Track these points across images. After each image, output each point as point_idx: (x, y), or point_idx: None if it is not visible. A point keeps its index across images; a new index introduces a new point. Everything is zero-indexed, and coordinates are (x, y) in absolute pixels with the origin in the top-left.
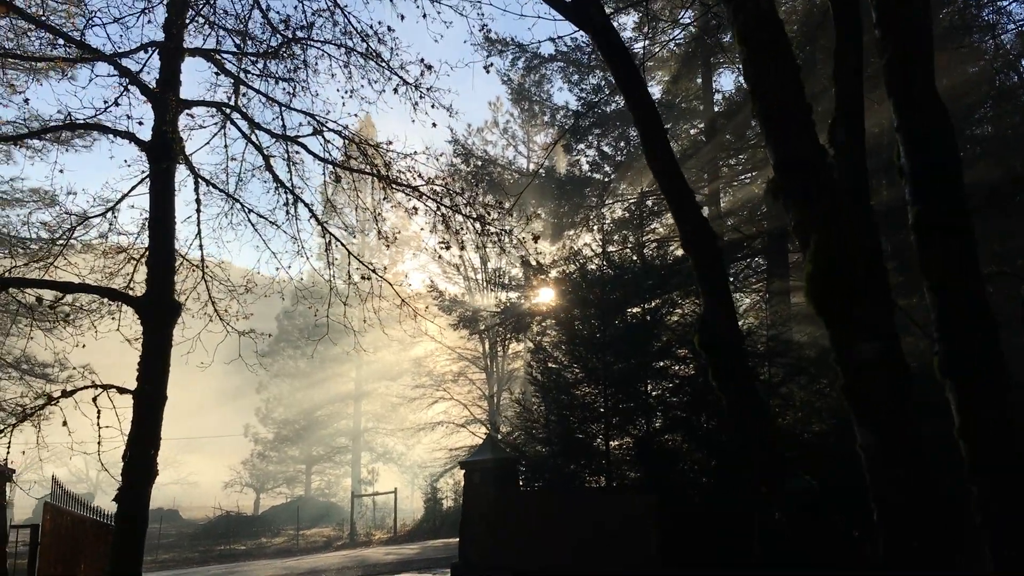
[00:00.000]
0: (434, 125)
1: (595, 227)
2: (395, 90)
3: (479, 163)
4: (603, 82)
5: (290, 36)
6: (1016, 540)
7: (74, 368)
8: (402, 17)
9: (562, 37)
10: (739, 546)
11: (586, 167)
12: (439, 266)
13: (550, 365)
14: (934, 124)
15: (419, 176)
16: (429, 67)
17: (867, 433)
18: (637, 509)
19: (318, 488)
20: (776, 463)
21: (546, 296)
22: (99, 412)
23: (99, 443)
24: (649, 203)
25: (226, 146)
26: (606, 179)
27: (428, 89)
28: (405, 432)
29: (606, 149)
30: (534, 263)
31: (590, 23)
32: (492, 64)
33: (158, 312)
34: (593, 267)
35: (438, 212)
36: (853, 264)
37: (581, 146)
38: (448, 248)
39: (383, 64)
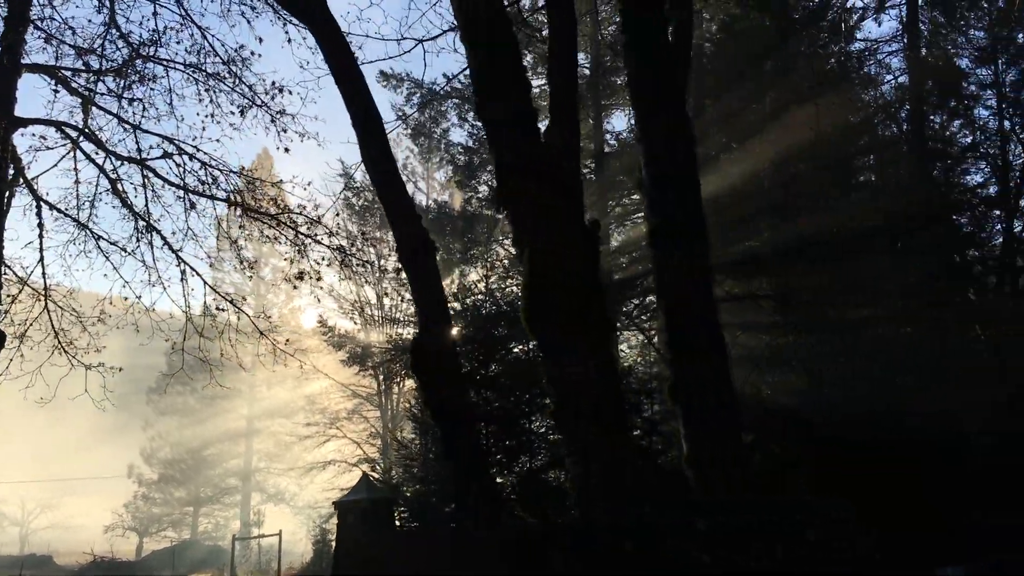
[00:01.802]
0: (287, 150)
1: (479, 264)
2: (256, 115)
3: (371, 197)
4: None
5: (135, 52)
6: None
7: None
8: (260, 40)
9: (457, 75)
10: None
11: (476, 204)
12: (336, 302)
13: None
14: (676, 136)
15: (276, 205)
16: (280, 89)
17: (576, 462)
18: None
19: (205, 531)
20: (492, 501)
21: None
22: None
23: None
24: None
25: (76, 169)
26: (497, 216)
27: (292, 117)
28: (297, 471)
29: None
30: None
31: (312, 18)
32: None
33: None
34: (475, 303)
35: (296, 241)
36: (567, 277)
37: (473, 182)
38: (301, 278)
39: (245, 87)
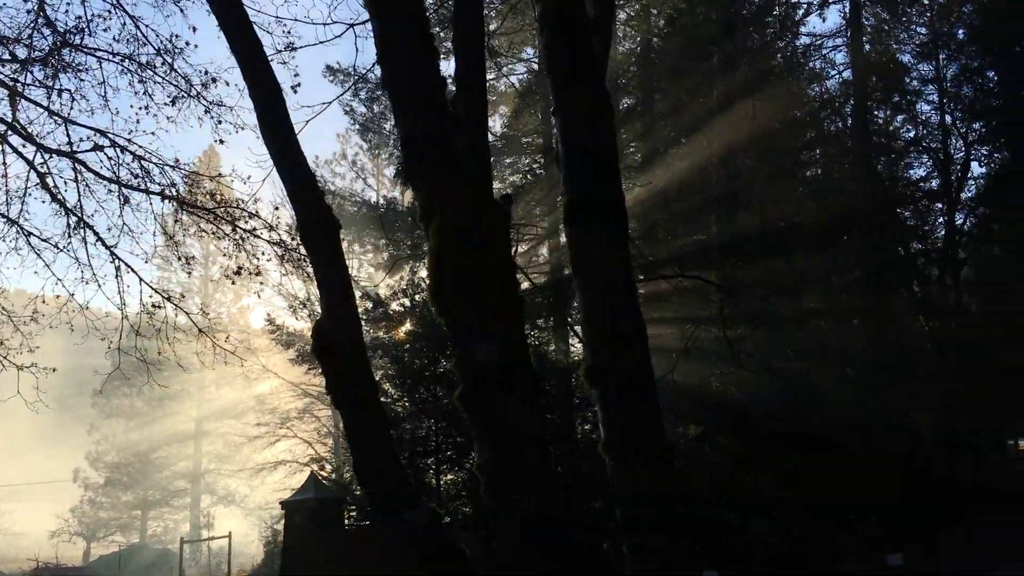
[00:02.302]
0: (221, 142)
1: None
2: (189, 106)
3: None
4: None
5: (62, 40)
6: None
7: None
8: (194, 29)
9: None
10: None
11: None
12: (286, 300)
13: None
14: (595, 111)
15: (213, 198)
16: (215, 79)
17: (484, 450)
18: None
19: (155, 535)
20: (399, 490)
21: (388, 330)
22: None
23: None
24: None
25: (4, 163)
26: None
27: (231, 108)
28: (248, 472)
29: None
30: (372, 294)
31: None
32: (301, 85)
33: None
34: (424, 300)
35: (234, 236)
36: (474, 254)
37: None
38: (239, 273)
39: (180, 77)
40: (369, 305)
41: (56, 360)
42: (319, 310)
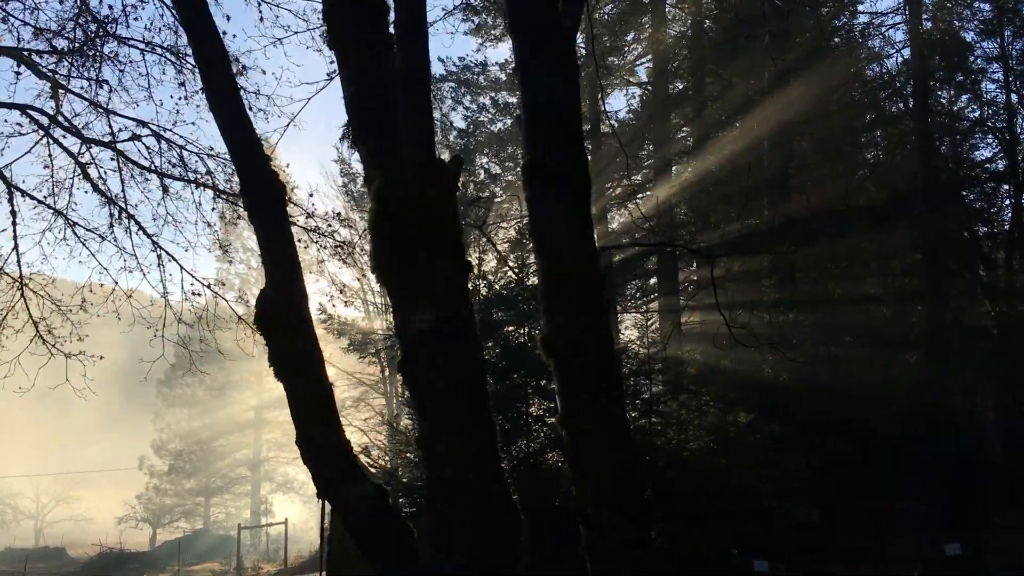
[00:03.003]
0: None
1: (473, 248)
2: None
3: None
4: (489, 101)
5: (101, 28)
6: None
7: None
8: (228, 18)
9: (450, 58)
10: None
11: (472, 188)
12: (335, 288)
13: None
14: (558, 66)
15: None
16: (245, 68)
17: (423, 423)
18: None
19: (217, 520)
20: (342, 464)
21: None
22: None
23: None
24: None
25: (50, 155)
26: (496, 199)
27: (268, 97)
28: None
29: (494, 169)
30: None
31: None
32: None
33: None
34: (473, 287)
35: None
36: (415, 216)
37: (470, 166)
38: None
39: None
40: None
41: (120, 351)
42: (371, 300)
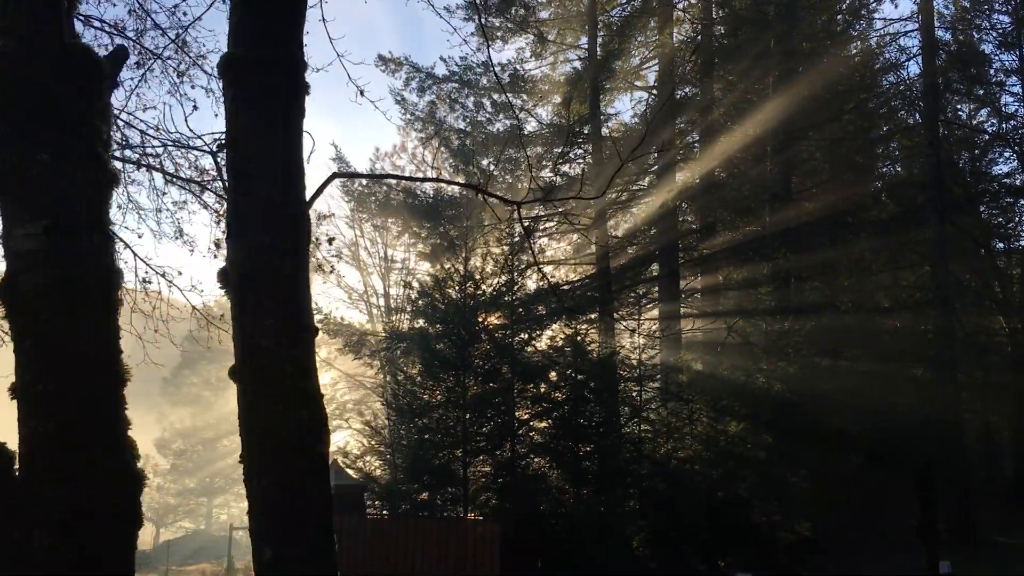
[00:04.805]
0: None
1: (460, 248)
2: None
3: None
4: (487, 100)
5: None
6: None
7: None
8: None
9: (452, 57)
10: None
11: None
12: (343, 291)
13: (408, 387)
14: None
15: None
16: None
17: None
18: (480, 536)
19: (220, 521)
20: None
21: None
22: None
23: None
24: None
25: None
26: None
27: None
28: None
29: (493, 170)
30: (412, 283)
31: None
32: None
33: None
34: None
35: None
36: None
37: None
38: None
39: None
40: (413, 295)
41: (129, 352)
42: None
